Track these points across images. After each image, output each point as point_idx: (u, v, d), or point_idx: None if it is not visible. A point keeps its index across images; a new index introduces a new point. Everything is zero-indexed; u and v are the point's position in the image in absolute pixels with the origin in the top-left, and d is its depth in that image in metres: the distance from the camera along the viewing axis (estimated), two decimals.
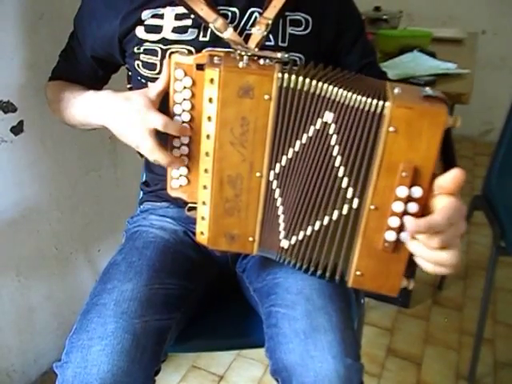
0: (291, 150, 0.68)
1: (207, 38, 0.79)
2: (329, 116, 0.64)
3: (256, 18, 0.79)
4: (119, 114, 0.74)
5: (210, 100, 0.66)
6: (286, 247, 0.72)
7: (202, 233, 0.74)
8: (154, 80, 0.78)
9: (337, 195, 0.66)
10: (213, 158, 0.69)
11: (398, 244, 0.64)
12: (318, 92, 0.64)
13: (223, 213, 0.71)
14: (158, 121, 0.69)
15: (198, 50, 0.77)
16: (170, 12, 0.79)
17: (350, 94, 0.62)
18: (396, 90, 0.62)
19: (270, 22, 0.78)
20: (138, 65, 0.83)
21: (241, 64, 0.65)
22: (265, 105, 0.65)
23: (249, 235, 0.73)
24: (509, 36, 2.82)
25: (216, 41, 0.78)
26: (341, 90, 0.63)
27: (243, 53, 0.67)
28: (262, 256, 0.80)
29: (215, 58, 0.67)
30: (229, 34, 0.76)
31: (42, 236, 1.29)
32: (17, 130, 1.15)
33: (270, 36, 0.80)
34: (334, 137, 0.65)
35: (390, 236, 0.64)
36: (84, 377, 0.67)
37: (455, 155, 0.66)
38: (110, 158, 1.46)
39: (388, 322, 1.71)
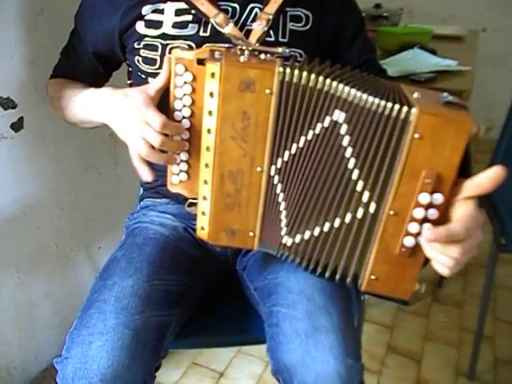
0: (295, 146, 0.67)
1: (207, 34, 0.79)
2: (340, 115, 0.64)
3: (256, 13, 0.79)
4: (118, 111, 0.73)
5: (211, 94, 0.66)
6: (288, 244, 0.72)
7: (203, 228, 0.74)
8: (154, 75, 0.78)
9: (350, 198, 0.66)
10: (213, 152, 0.68)
11: (415, 249, 0.64)
12: (326, 89, 0.64)
13: (224, 208, 0.71)
14: (156, 120, 0.68)
15: (199, 46, 0.77)
16: (170, 7, 0.79)
17: (365, 95, 0.62)
18: (415, 95, 0.62)
19: (270, 17, 0.78)
20: (138, 60, 0.83)
21: (242, 58, 0.65)
22: (266, 99, 0.65)
23: (249, 230, 0.72)
24: (509, 33, 2.82)
25: (216, 36, 0.78)
26: (353, 90, 0.62)
27: (244, 48, 0.67)
28: (262, 254, 0.80)
29: (216, 52, 0.67)
30: (229, 29, 0.76)
31: (42, 233, 1.29)
32: (17, 126, 1.15)
33: (271, 32, 0.80)
34: (347, 138, 0.64)
35: (409, 242, 0.64)
36: (84, 372, 0.67)
37: (471, 161, 0.66)
38: (110, 154, 1.46)
39: (388, 319, 1.71)
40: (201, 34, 0.79)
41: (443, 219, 0.62)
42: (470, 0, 2.83)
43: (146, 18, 0.79)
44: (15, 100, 1.13)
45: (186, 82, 0.70)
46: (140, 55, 0.82)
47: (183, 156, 0.74)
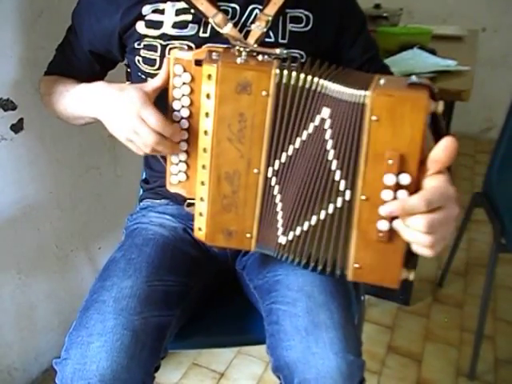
0: (291, 147, 0.68)
1: (207, 34, 0.79)
2: (326, 111, 0.64)
3: (256, 14, 0.79)
4: (113, 105, 0.73)
5: (208, 96, 0.66)
6: (283, 243, 0.72)
7: (200, 229, 0.74)
8: (154, 76, 0.78)
9: (331, 188, 0.66)
10: (210, 154, 0.69)
11: (392, 234, 0.64)
12: (314, 88, 0.64)
13: (221, 209, 0.71)
14: (152, 119, 0.68)
15: (198, 46, 0.77)
16: (170, 7, 0.79)
17: (341, 87, 0.63)
18: (382, 81, 0.62)
19: (270, 18, 0.78)
20: (138, 60, 0.83)
21: (239, 60, 0.65)
22: (262, 101, 0.65)
23: (246, 231, 0.73)
24: (509, 33, 2.82)
25: (216, 37, 0.78)
26: (335, 85, 0.63)
27: (242, 49, 0.67)
28: (262, 253, 0.80)
29: (213, 53, 0.67)
30: (228, 29, 0.77)
31: (43, 234, 1.29)
32: (17, 127, 1.15)
33: (270, 33, 0.80)
34: (329, 131, 0.65)
35: (383, 225, 0.64)
36: (83, 373, 0.67)
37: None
38: (109, 155, 1.46)
39: (388, 319, 1.71)
40: (200, 34, 0.79)
41: None
42: (470, 0, 2.83)
43: (146, 18, 0.79)
44: (15, 101, 1.13)
45: (184, 83, 0.70)
46: (140, 55, 0.82)
47: (182, 156, 0.74)
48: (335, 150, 0.65)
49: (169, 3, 0.79)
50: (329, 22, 0.85)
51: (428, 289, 1.85)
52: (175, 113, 0.72)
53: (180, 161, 0.74)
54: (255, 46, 0.76)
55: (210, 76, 0.65)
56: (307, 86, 0.64)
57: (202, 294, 0.92)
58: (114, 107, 0.73)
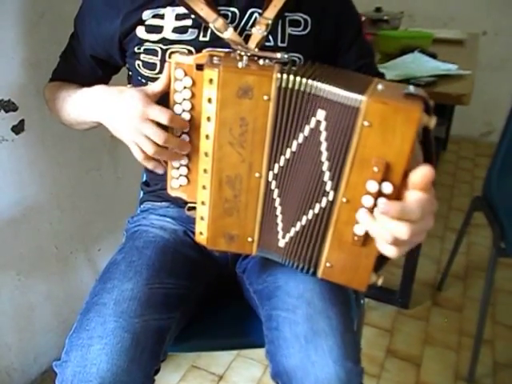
0: (289, 151, 0.68)
1: (207, 38, 0.79)
2: (321, 114, 0.65)
3: (256, 18, 0.80)
4: (114, 109, 0.73)
5: (209, 100, 0.66)
6: (282, 246, 0.73)
7: (201, 233, 0.74)
8: (154, 80, 0.78)
9: (320, 189, 0.67)
10: (212, 158, 0.69)
11: (367, 239, 0.65)
12: (311, 91, 0.64)
13: (222, 213, 0.72)
14: (163, 115, 0.68)
15: (198, 50, 0.78)
16: (170, 12, 0.79)
17: (337, 89, 0.63)
18: (379, 87, 0.62)
19: (269, 22, 0.79)
20: (138, 65, 0.83)
21: (240, 64, 0.65)
22: (264, 105, 0.65)
23: (248, 235, 0.73)
24: (509, 37, 2.82)
25: (216, 41, 0.78)
26: (330, 87, 0.63)
27: (243, 53, 0.67)
28: (262, 257, 0.80)
29: (215, 58, 0.67)
30: (229, 34, 0.77)
31: (43, 235, 1.29)
32: (18, 129, 1.15)
33: (270, 36, 0.80)
34: (324, 133, 0.65)
35: (359, 230, 0.65)
36: (83, 376, 0.67)
37: (434, 158, 0.65)
38: (110, 157, 1.46)
39: (387, 322, 1.71)
40: (200, 38, 0.79)
41: None
42: (471, 3, 2.83)
43: (146, 22, 0.80)
44: (16, 103, 1.13)
45: (185, 87, 0.70)
46: (140, 59, 0.82)
47: (183, 160, 0.74)
48: (328, 152, 0.65)
49: (169, 8, 0.79)
50: (327, 25, 0.85)
51: (427, 292, 1.85)
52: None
53: (181, 165, 0.74)
54: (256, 50, 0.76)
55: (211, 80, 0.65)
56: (306, 89, 0.64)
57: (202, 296, 0.92)
58: (115, 110, 0.73)
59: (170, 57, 0.76)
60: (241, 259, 0.96)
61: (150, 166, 0.74)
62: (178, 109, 0.71)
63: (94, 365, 0.68)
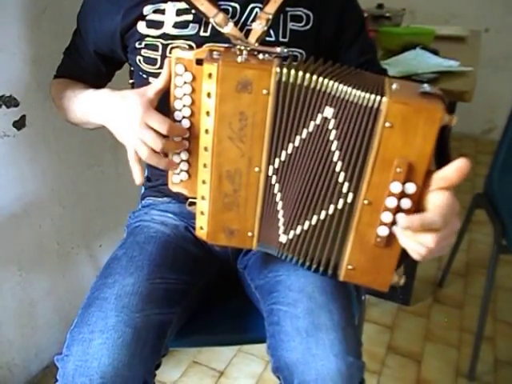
0: (291, 145, 0.68)
1: (208, 33, 0.79)
2: (329, 111, 0.64)
3: (257, 13, 0.80)
4: (116, 113, 0.73)
5: (209, 95, 0.66)
6: (284, 242, 0.72)
7: (202, 228, 0.74)
8: (155, 75, 0.78)
9: (334, 190, 0.67)
10: (211, 152, 0.69)
11: (390, 239, 0.65)
12: (318, 87, 0.64)
13: (222, 208, 0.72)
14: (162, 125, 0.69)
15: (199, 45, 0.77)
16: (171, 7, 0.79)
17: (349, 88, 0.62)
18: (394, 86, 0.62)
19: (270, 16, 0.79)
20: (139, 60, 0.83)
21: (239, 59, 0.65)
22: (263, 99, 0.65)
23: (248, 230, 0.73)
24: None
25: (217, 36, 0.78)
26: (341, 85, 0.63)
27: (242, 47, 0.67)
28: (263, 252, 0.80)
29: (214, 52, 0.67)
30: (229, 28, 0.77)
31: (44, 231, 1.29)
32: (19, 124, 1.15)
33: (271, 31, 0.80)
34: (334, 132, 0.65)
35: (383, 231, 0.64)
36: (85, 370, 0.68)
37: (451, 155, 0.66)
38: (111, 153, 1.46)
39: (388, 319, 1.71)
40: (201, 33, 0.79)
41: (418, 209, 0.62)
42: (473, 0, 2.83)
43: (147, 18, 0.80)
44: (18, 98, 1.13)
45: (185, 82, 0.70)
46: (141, 55, 0.82)
47: (183, 155, 0.74)
48: (340, 152, 0.65)
49: (169, 3, 0.79)
50: (329, 21, 0.84)
51: (428, 289, 1.85)
52: (177, 112, 0.72)
53: (182, 160, 0.74)
54: (256, 44, 0.76)
55: (210, 75, 0.65)
56: (308, 84, 0.64)
57: (203, 292, 0.92)
58: (117, 116, 0.73)
59: (170, 52, 0.76)
60: (242, 255, 0.96)
61: (134, 169, 0.73)
62: (178, 104, 0.71)
63: (95, 359, 0.68)
